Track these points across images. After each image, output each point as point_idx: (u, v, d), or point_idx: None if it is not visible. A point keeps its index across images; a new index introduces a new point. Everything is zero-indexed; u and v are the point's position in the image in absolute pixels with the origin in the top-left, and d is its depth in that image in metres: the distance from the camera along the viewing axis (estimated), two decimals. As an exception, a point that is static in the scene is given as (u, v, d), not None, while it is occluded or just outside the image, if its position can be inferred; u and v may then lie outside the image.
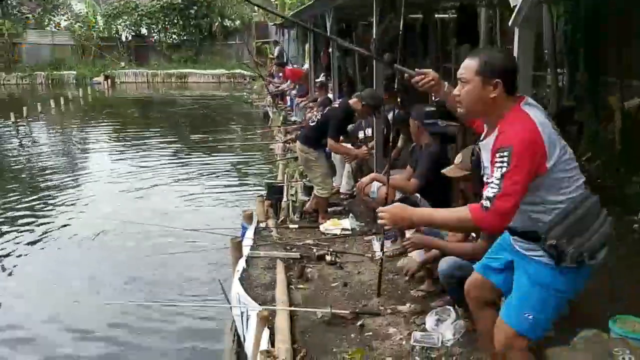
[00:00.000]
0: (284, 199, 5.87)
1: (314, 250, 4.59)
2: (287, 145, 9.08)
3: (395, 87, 4.42)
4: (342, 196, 6.11)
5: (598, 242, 2.03)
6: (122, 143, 13.02)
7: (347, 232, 5.09)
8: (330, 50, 10.87)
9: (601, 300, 3.12)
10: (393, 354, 3.11)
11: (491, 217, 1.94)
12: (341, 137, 5.55)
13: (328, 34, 7.53)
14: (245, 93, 20.48)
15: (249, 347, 3.24)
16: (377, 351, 3.14)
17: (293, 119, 11.73)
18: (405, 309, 3.56)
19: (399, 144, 5.82)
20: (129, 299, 4.85)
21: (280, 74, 14.55)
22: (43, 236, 6.61)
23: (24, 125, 15.09)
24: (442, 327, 3.22)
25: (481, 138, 2.22)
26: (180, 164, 10.34)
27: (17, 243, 6.41)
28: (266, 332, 3.16)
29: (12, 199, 8.29)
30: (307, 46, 14.34)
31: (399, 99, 6.04)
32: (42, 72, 26.14)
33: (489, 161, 2.07)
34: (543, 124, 2.00)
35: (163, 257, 5.62)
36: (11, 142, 13.28)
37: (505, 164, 1.92)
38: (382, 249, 3.96)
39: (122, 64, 25.30)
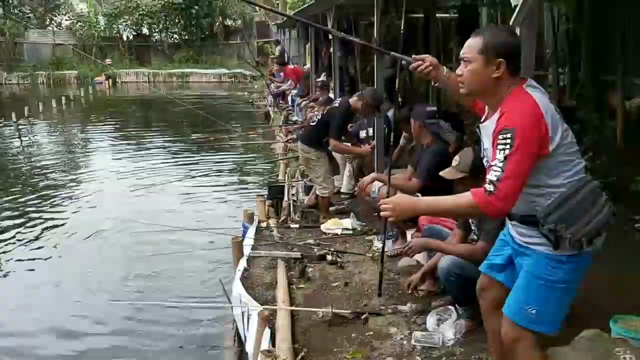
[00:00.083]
0: (285, 198, 5.87)
1: (315, 249, 4.59)
2: (288, 145, 9.08)
3: (396, 86, 4.41)
4: (342, 196, 6.11)
5: (596, 228, 1.99)
6: (123, 142, 13.01)
7: (348, 232, 5.09)
8: (331, 49, 10.85)
9: (602, 300, 3.11)
10: (394, 353, 3.10)
11: (495, 200, 1.90)
12: (342, 137, 5.55)
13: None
14: (246, 92, 20.48)
15: (249, 347, 3.23)
16: (378, 351, 3.14)
17: (294, 118, 11.72)
18: (406, 308, 3.55)
19: (401, 142, 5.81)
20: (129, 298, 4.85)
21: (281, 74, 14.54)
22: (43, 235, 6.60)
23: (25, 125, 15.10)
24: (443, 327, 3.21)
25: (482, 120, 2.19)
26: (181, 163, 10.33)
27: (17, 242, 6.40)
28: (267, 332, 3.15)
29: (12, 197, 8.30)
30: (308, 46, 14.33)
31: (400, 99, 6.04)
32: (43, 72, 26.16)
33: (490, 143, 2.04)
34: (546, 106, 1.98)
35: (164, 257, 5.61)
36: (12, 141, 13.28)
37: (508, 146, 1.89)
38: (383, 249, 3.95)
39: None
